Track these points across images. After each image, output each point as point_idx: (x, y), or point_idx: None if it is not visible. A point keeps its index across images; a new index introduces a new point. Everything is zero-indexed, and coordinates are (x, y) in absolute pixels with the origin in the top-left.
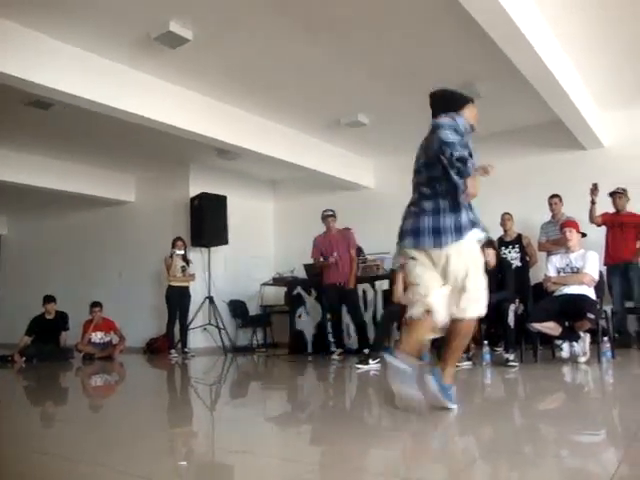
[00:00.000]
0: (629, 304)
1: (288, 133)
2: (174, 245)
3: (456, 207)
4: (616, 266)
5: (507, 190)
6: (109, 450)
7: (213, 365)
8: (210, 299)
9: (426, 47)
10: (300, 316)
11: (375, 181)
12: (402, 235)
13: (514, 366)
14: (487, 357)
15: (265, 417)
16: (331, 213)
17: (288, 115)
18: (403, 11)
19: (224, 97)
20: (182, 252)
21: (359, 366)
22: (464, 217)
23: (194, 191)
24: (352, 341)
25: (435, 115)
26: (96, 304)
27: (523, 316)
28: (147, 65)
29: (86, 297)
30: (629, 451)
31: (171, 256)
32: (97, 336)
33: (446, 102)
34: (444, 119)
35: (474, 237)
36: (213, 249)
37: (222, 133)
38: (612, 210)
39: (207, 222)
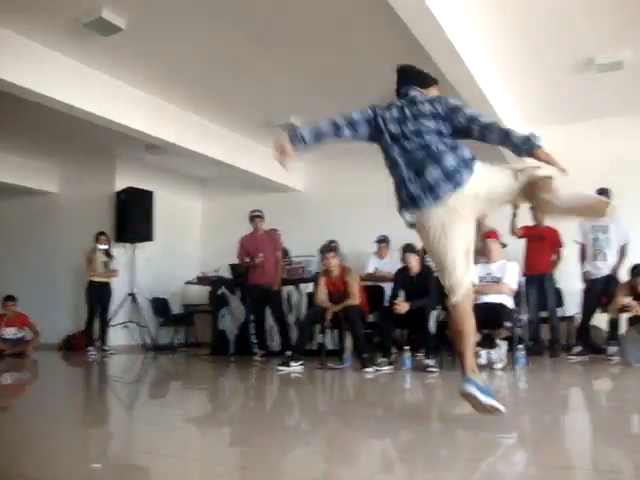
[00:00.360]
0: (543, 314)
1: (219, 131)
2: (97, 240)
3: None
4: (533, 277)
5: None
6: (17, 455)
7: (133, 364)
8: (132, 296)
9: (361, 55)
10: (223, 316)
11: (304, 184)
12: None
13: (434, 372)
14: (408, 362)
15: (185, 418)
16: (259, 214)
17: (220, 113)
18: (339, 19)
19: (155, 90)
20: (105, 247)
21: (281, 368)
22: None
23: (120, 185)
24: (275, 343)
25: (402, 87)
26: (9, 298)
27: (444, 323)
28: (76, 51)
29: (1, 291)
30: (537, 453)
31: (93, 251)
32: (9, 332)
33: (420, 77)
34: (422, 94)
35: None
36: (137, 245)
37: (151, 127)
38: (532, 223)
39: (132, 217)
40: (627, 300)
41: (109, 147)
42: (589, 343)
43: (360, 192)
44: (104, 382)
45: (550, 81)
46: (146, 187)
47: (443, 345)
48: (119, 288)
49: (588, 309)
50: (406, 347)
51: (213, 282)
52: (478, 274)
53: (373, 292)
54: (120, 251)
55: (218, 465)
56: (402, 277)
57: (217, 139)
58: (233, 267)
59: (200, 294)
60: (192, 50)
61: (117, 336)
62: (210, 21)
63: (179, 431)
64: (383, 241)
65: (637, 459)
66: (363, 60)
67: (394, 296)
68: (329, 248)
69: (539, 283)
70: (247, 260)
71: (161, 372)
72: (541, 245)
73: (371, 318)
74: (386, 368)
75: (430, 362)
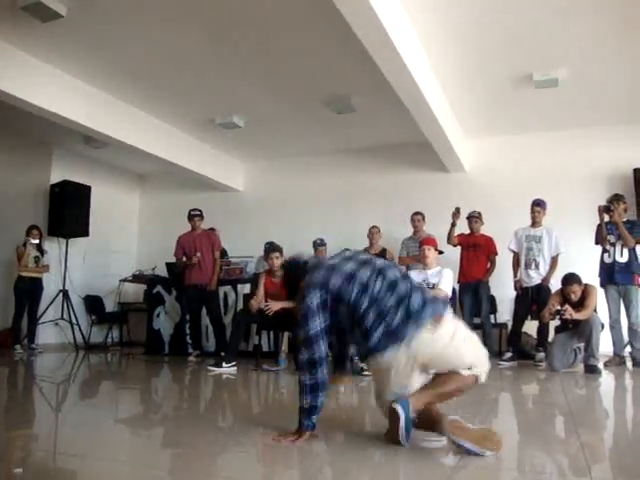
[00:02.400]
0: (476, 320)
1: (160, 127)
2: (28, 233)
3: None
4: (468, 284)
5: (375, 204)
6: None
7: (62, 363)
8: (64, 293)
9: (306, 56)
10: (159, 315)
11: (244, 184)
12: None
13: (368, 375)
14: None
15: (115, 419)
16: (198, 213)
17: (162, 108)
18: (283, 17)
19: (96, 82)
20: (37, 241)
21: (212, 368)
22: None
23: (56, 178)
24: (210, 343)
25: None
26: None
27: None
28: (13, 36)
29: None
30: (465, 454)
31: (24, 245)
32: None
33: None
34: None
35: None
36: (71, 240)
37: (91, 120)
38: (467, 231)
39: (67, 212)
40: (565, 307)
41: (45, 138)
42: (519, 349)
43: (299, 193)
44: (30, 382)
45: (489, 94)
46: (83, 181)
47: None
48: (51, 284)
49: (519, 316)
50: None
51: (149, 280)
52: (414, 280)
53: None
54: (53, 246)
55: (149, 468)
56: None
57: (158, 135)
58: (170, 266)
59: (135, 292)
60: (136, 43)
61: (47, 334)
62: (155, 15)
63: (109, 433)
64: (321, 244)
65: (560, 460)
66: (309, 62)
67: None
68: (274, 248)
69: (473, 290)
70: (184, 259)
71: (92, 371)
72: (476, 253)
73: None
74: None
75: (364, 365)
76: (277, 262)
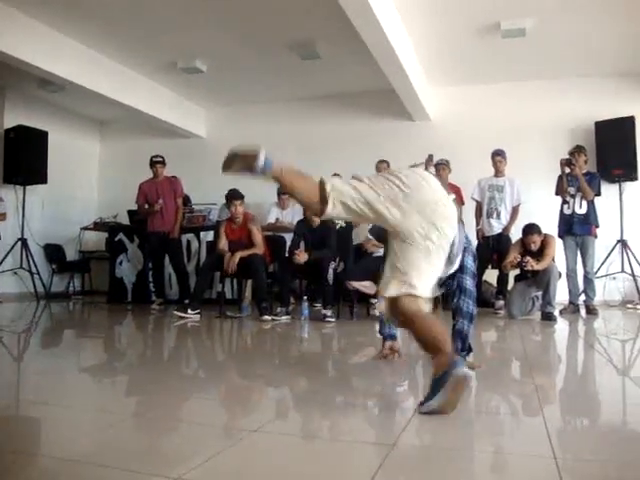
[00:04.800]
0: None
1: (121, 71)
2: None
3: None
4: None
5: (340, 151)
6: None
7: (23, 312)
8: (23, 241)
9: (275, 4)
10: (121, 263)
11: (207, 131)
12: None
13: (331, 322)
14: (306, 312)
15: (78, 367)
16: (160, 159)
17: (122, 52)
18: None
19: (51, 21)
20: None
21: (177, 313)
22: None
23: (10, 122)
24: (174, 291)
25: None
26: None
27: (342, 274)
28: None
29: None
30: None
31: None
32: None
33: None
34: None
35: None
36: (29, 188)
37: (46, 61)
38: None
39: (24, 158)
40: (526, 258)
41: None
42: (479, 297)
43: (263, 141)
44: None
45: (456, 43)
46: (39, 126)
47: (340, 296)
48: (8, 233)
49: (480, 265)
50: (304, 297)
51: (111, 228)
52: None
53: (274, 242)
54: (9, 193)
55: (112, 414)
56: (303, 228)
57: (118, 79)
58: (132, 213)
59: (97, 240)
60: None
61: (5, 283)
62: None
63: (72, 381)
64: (284, 192)
65: (514, 402)
66: (274, 6)
67: (294, 246)
68: (237, 195)
69: None
70: (146, 206)
71: (54, 321)
72: None
73: (271, 268)
74: (284, 318)
75: (328, 312)
76: (240, 209)
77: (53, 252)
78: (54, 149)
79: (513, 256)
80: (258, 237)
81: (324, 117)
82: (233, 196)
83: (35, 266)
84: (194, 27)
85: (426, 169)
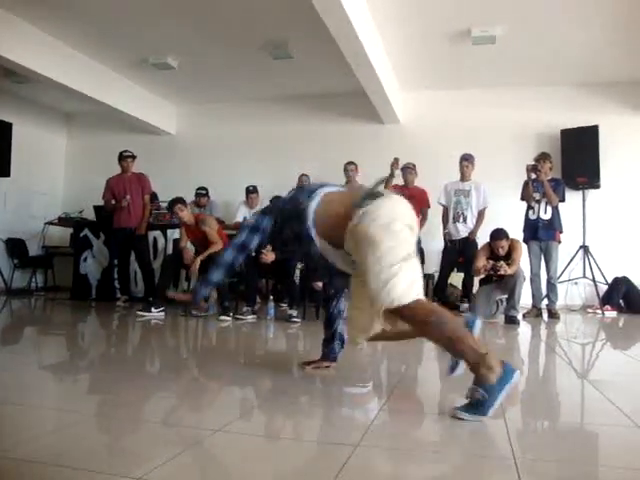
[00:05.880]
0: None
1: (90, 64)
2: None
3: None
4: None
5: (309, 152)
6: None
7: None
8: None
9: (248, 3)
10: (86, 259)
11: (177, 127)
12: None
13: (297, 322)
14: (272, 312)
15: (39, 365)
16: (130, 154)
17: (91, 45)
18: None
19: (19, 10)
20: None
21: (141, 313)
22: None
23: None
24: (139, 289)
25: None
26: None
27: (307, 274)
28: None
29: None
30: (390, 400)
31: None
32: None
33: None
34: None
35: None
36: None
37: (11, 51)
38: (401, 182)
39: None
40: (500, 263)
41: None
42: (444, 300)
43: (233, 140)
44: None
45: (427, 48)
46: (4, 117)
47: (306, 296)
48: None
49: (445, 268)
50: (271, 297)
51: (76, 224)
52: None
53: None
54: None
55: (74, 413)
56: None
57: (87, 72)
58: (98, 209)
59: (61, 236)
60: None
61: None
62: None
63: (32, 379)
64: (253, 191)
65: None
66: (246, 5)
67: (261, 245)
68: (175, 201)
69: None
70: (113, 202)
71: (14, 317)
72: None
73: (238, 267)
74: (250, 317)
75: (293, 312)
76: (183, 214)
77: (15, 247)
78: (18, 141)
79: (484, 261)
80: (213, 236)
81: (294, 118)
82: (171, 203)
83: None
84: (166, 23)
85: (392, 172)
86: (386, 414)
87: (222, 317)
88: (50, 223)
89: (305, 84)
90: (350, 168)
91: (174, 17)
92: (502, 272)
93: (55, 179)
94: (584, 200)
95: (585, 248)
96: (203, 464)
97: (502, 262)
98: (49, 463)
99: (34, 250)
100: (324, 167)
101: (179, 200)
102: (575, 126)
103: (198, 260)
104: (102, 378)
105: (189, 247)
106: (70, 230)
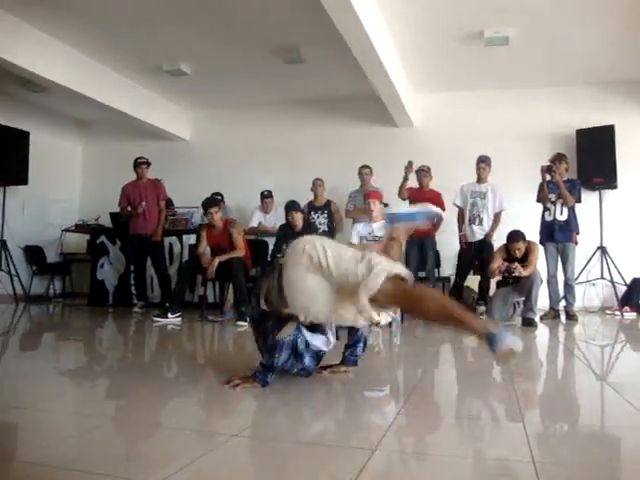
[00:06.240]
0: (422, 274)
1: (105, 73)
2: None
3: None
4: (414, 239)
5: (322, 156)
6: None
7: (1, 314)
8: (2, 242)
9: (256, 4)
10: (102, 266)
11: (191, 133)
12: None
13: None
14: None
15: (57, 371)
16: (145, 160)
17: (106, 54)
18: None
19: (37, 22)
20: None
21: (157, 319)
22: None
23: None
24: (155, 294)
25: None
26: None
27: None
28: None
29: None
30: (407, 404)
31: None
32: None
33: None
34: None
35: None
36: (10, 189)
37: (29, 62)
38: (416, 185)
39: (4, 158)
40: (515, 264)
41: None
42: (460, 302)
43: (247, 145)
44: None
45: (440, 50)
46: (21, 126)
47: None
48: None
49: (462, 270)
50: None
51: (92, 230)
52: (360, 233)
53: (256, 246)
54: None
55: (91, 418)
56: (285, 232)
57: (102, 81)
58: (114, 216)
59: (78, 243)
60: None
61: None
62: None
63: (51, 384)
64: (268, 196)
65: (495, 407)
66: (259, 11)
67: (277, 250)
68: (212, 202)
69: (419, 245)
70: (129, 209)
71: (33, 323)
72: None
73: (254, 272)
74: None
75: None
76: (216, 217)
77: (33, 254)
78: (36, 150)
79: (500, 262)
80: (239, 240)
81: (307, 122)
82: (208, 204)
83: (15, 268)
84: (179, 30)
85: (406, 175)
86: (403, 418)
87: (239, 322)
88: (67, 230)
89: (317, 88)
90: (365, 172)
91: (187, 24)
92: (516, 274)
93: (72, 187)
94: (601, 201)
95: (603, 249)
96: (221, 470)
97: (516, 264)
98: (67, 468)
99: (52, 257)
100: (339, 171)
101: (216, 202)
102: (591, 126)
103: (217, 261)
104: (119, 383)
105: (207, 253)
106: (87, 237)
